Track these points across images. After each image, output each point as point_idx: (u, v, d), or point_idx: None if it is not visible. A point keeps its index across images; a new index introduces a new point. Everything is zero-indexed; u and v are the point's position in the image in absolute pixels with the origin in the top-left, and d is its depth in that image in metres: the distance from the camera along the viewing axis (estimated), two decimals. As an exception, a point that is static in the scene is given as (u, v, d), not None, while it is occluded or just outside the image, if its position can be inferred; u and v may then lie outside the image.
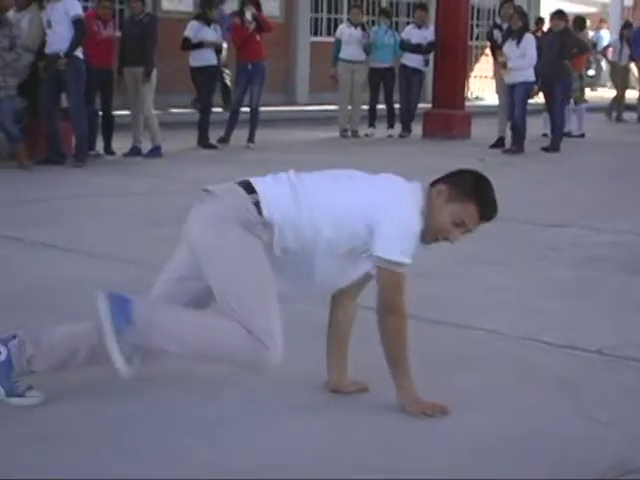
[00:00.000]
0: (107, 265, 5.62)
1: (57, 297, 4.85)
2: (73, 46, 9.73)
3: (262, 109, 12.53)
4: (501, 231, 6.99)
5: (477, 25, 20.88)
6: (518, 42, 12.23)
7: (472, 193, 3.35)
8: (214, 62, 11.74)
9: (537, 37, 13.18)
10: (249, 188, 3.32)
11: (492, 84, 14.45)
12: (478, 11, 21.28)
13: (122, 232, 6.59)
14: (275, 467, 2.99)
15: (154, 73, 10.80)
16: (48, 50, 9.82)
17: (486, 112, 15.21)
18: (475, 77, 20.52)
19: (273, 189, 3.33)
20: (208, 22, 11.72)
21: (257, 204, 3.26)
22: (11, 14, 9.81)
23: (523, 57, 12.21)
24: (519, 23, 12.35)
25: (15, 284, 5.09)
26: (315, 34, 18.91)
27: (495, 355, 4.13)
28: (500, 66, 12.57)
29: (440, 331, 4.45)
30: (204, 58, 11.64)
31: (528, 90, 12.49)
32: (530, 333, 4.42)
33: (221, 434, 3.23)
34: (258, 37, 11.99)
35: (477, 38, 20.50)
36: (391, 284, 3.30)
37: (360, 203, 3.31)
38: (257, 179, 3.39)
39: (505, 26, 12.96)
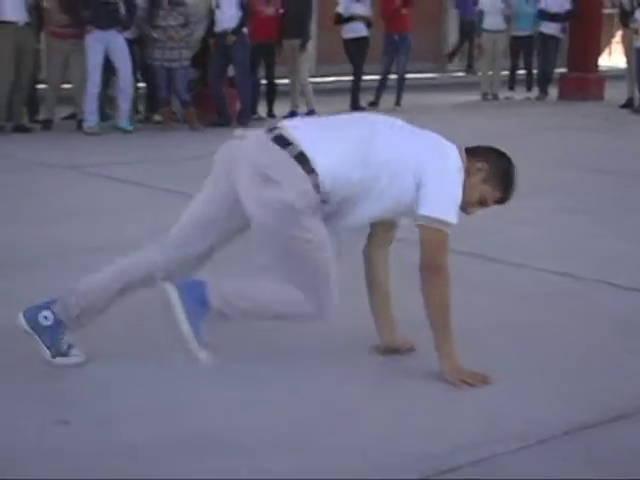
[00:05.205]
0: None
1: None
2: (240, 26, 9.90)
3: (411, 76, 12.41)
4: (606, 184, 6.79)
5: (619, -7, 19.86)
6: (650, 8, 11.66)
7: (504, 181, 3.10)
8: (364, 34, 11.67)
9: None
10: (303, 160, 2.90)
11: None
12: (621, -20, 20.27)
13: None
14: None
15: (310, 44, 10.85)
16: (217, 28, 9.99)
17: (622, 75, 14.55)
18: (614, 43, 19.58)
19: (335, 152, 2.95)
20: (358, -2, 11.66)
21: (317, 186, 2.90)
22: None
23: (654, 23, 11.63)
24: (651, -10, 11.77)
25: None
26: (464, 7, 18.43)
27: (564, 295, 4.01)
28: (632, 31, 11.98)
29: (520, 273, 4.37)
30: (355, 30, 11.59)
31: (657, 54, 11.91)
32: (602, 275, 4.26)
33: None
34: (404, 11, 11.85)
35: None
36: (437, 244, 2.94)
37: (411, 156, 2.97)
38: (312, 140, 2.96)
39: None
